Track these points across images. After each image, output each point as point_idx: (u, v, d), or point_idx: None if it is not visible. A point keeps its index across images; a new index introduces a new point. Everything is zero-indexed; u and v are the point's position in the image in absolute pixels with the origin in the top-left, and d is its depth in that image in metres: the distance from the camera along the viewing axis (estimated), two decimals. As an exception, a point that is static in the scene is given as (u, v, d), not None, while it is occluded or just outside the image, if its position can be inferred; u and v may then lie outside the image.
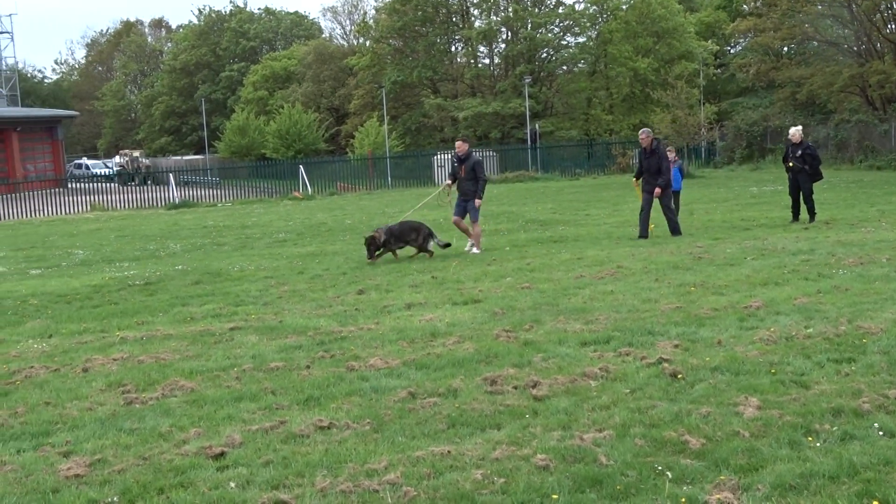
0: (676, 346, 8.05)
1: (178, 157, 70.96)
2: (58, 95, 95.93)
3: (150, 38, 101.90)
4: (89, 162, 74.87)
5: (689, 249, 14.71)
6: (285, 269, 15.27)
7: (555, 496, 4.92)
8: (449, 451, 5.63)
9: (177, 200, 39.52)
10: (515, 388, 7.01)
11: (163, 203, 39.52)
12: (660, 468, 5.21)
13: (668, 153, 21.64)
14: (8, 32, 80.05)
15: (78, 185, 54.60)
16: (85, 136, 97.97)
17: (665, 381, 6.97)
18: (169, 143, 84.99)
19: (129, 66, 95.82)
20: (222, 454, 5.82)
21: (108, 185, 51.47)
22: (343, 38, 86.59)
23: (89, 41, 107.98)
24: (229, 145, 67.58)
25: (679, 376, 7.04)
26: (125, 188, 46.15)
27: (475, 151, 17.35)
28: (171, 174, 44.16)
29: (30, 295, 13.77)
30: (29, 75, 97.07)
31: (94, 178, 55.17)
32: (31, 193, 42.19)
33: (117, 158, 71.44)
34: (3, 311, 12.40)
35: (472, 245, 16.21)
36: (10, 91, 78.60)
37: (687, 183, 26.21)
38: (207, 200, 40.65)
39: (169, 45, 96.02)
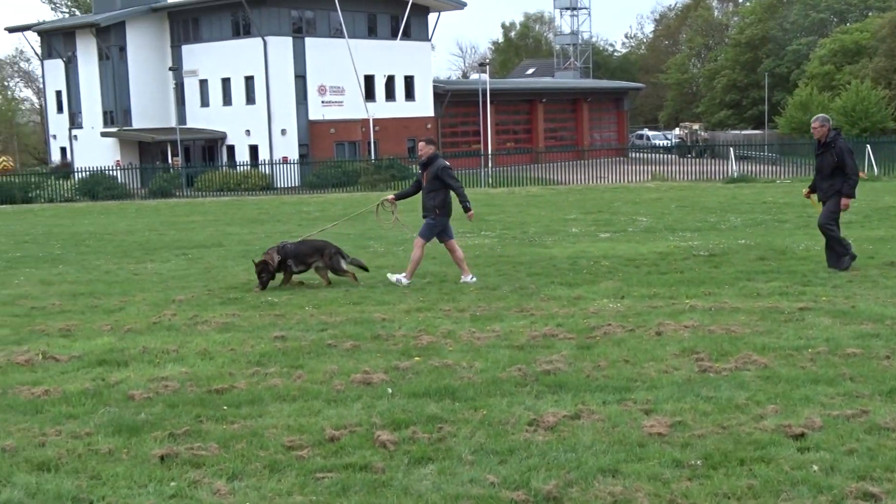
0: None
1: (737, 132, 70.58)
2: (625, 68, 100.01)
3: (717, 13, 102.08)
4: (650, 133, 77.35)
5: None
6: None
7: None
8: None
9: (735, 174, 39.37)
10: None
11: (721, 176, 39.59)
12: None
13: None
14: (585, 8, 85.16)
15: (638, 154, 56.70)
16: (647, 108, 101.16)
17: None
18: (728, 116, 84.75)
19: (695, 40, 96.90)
20: (802, 435, 5.72)
21: (666, 156, 52.76)
22: (926, 8, 79.77)
23: (658, 16, 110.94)
24: (790, 121, 65.65)
25: None
26: (683, 160, 46.90)
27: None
28: (730, 148, 44.06)
29: (601, 256, 14.62)
30: (601, 49, 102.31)
31: (654, 149, 56.85)
32: (595, 161, 44.67)
33: (677, 131, 72.91)
34: (578, 269, 13.31)
35: (402, 275, 12.60)
36: (583, 63, 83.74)
37: None
38: (766, 176, 39.99)
39: (735, 19, 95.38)
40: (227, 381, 7.45)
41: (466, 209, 12.63)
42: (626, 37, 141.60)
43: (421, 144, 12.91)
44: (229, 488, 5.21)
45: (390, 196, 13.59)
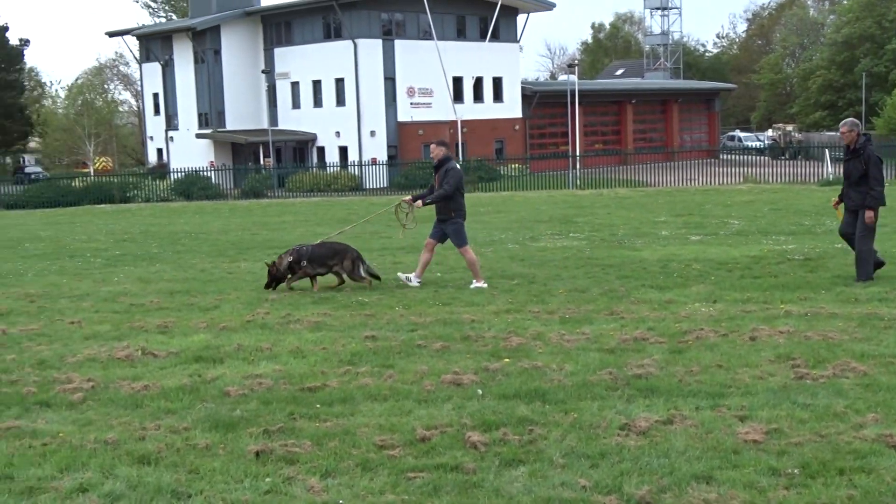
0: None
1: (832, 133, 68.96)
2: (716, 68, 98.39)
3: (812, 11, 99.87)
4: (742, 134, 76.02)
5: None
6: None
7: None
8: None
9: (830, 177, 38.42)
10: None
11: (815, 179, 38.70)
12: None
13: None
14: (676, 8, 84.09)
15: (730, 156, 55.75)
16: (739, 109, 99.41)
17: None
18: (823, 117, 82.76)
19: (790, 39, 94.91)
20: (905, 445, 5.57)
21: (758, 157, 51.65)
22: None
23: (751, 15, 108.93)
24: (888, 122, 63.93)
25: None
26: (776, 162, 46.00)
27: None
28: (826, 150, 43.07)
29: (692, 260, 14.42)
30: (692, 49, 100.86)
31: (746, 151, 55.86)
32: (685, 162, 44.06)
33: (770, 132, 71.55)
34: (669, 273, 13.15)
35: (475, 282, 12.49)
36: (674, 64, 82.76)
37: None
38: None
39: (832, 17, 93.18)
40: (320, 379, 7.56)
41: (418, 198, 12.75)
42: (718, 36, 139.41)
43: (433, 146, 12.74)
44: (323, 485, 5.29)
45: (408, 197, 13.57)
